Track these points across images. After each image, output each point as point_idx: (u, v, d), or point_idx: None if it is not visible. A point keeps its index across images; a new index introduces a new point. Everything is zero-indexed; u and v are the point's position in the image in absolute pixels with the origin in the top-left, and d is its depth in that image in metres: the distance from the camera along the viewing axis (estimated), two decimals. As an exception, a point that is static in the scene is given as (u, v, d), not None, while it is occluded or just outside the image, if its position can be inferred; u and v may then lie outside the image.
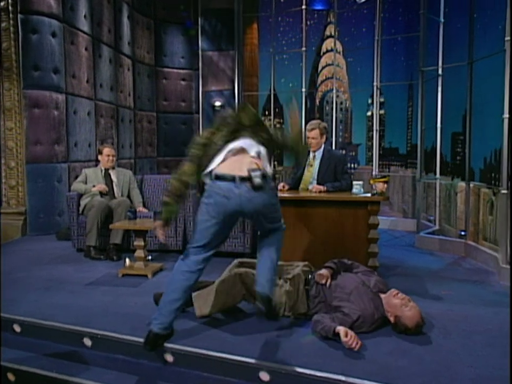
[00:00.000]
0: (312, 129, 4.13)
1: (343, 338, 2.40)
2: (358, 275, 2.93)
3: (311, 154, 4.20)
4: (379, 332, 2.70)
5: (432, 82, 5.65)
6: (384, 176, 3.82)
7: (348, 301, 2.70)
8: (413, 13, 6.63)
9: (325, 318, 2.62)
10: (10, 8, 5.54)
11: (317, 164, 4.16)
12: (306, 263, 3.13)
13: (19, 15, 5.44)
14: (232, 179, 2.32)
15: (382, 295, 2.77)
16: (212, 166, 2.42)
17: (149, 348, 2.41)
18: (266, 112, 8.36)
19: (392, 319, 2.67)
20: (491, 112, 4.48)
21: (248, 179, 2.30)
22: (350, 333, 2.43)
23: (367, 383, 2.13)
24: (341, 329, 2.45)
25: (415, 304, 2.68)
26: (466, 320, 2.92)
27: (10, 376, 2.51)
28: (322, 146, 4.18)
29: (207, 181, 2.41)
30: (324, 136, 4.18)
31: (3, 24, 5.58)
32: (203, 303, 2.83)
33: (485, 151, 4.72)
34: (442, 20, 5.56)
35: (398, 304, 2.65)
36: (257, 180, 2.29)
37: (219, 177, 2.35)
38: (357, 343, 2.38)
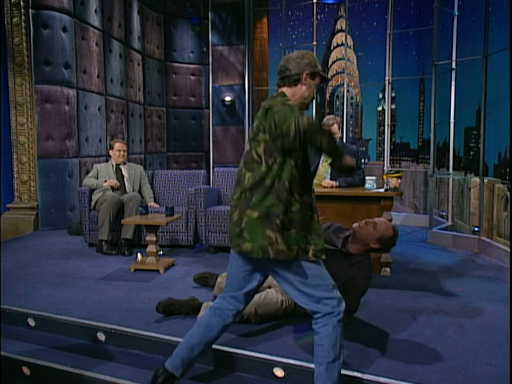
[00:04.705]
0: (333, 123, 4.04)
1: None
2: None
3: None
4: (394, 327, 2.67)
5: (445, 76, 5.57)
6: (398, 172, 3.77)
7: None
8: (425, 6, 6.56)
9: None
10: (21, 3, 5.55)
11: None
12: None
13: (30, 10, 5.45)
14: None
15: (353, 242, 2.66)
16: None
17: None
18: (276, 108, 8.32)
19: (377, 245, 2.61)
20: (506, 107, 4.41)
21: None
22: None
23: (383, 380, 2.11)
24: None
25: (376, 218, 2.68)
26: (482, 317, 2.89)
27: (25, 370, 2.52)
28: (338, 140, 4.15)
29: None
30: (340, 130, 4.15)
31: (14, 19, 5.60)
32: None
33: (500, 146, 4.66)
34: (456, 12, 5.48)
35: (370, 230, 2.60)
36: None
37: None
38: None
